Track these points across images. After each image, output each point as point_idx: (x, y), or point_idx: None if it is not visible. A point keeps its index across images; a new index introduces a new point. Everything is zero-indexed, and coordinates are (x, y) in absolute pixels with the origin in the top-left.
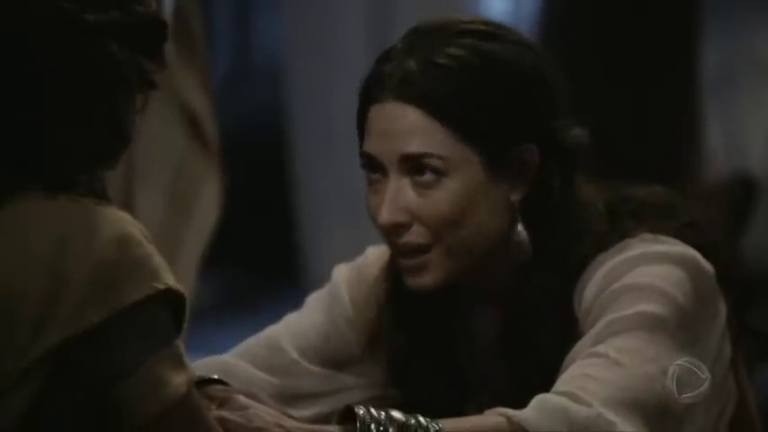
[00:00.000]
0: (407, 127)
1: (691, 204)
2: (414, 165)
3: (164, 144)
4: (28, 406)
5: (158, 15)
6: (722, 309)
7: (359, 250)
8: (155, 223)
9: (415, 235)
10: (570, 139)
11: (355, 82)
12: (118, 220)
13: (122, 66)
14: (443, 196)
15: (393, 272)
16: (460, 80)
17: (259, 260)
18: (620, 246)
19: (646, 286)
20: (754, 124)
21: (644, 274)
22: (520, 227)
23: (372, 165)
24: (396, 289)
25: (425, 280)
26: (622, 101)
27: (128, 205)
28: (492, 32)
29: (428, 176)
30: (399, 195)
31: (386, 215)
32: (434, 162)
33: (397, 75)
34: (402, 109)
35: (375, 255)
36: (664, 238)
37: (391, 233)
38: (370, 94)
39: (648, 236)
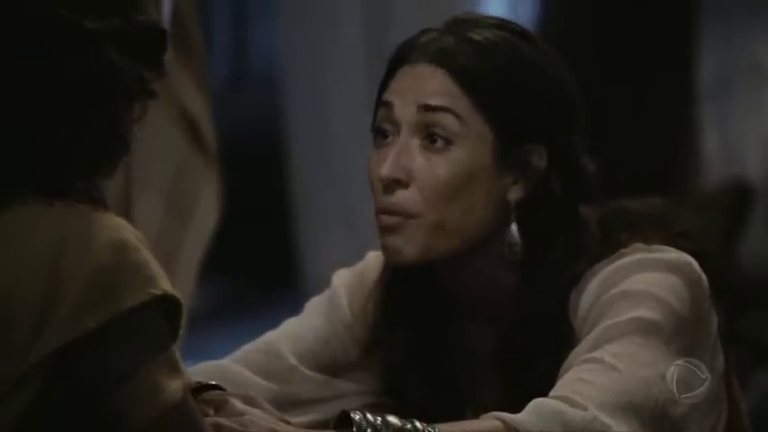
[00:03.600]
0: (433, 86)
1: (684, 214)
2: (428, 124)
3: (162, 147)
4: (26, 410)
5: (159, 24)
6: (714, 318)
7: (357, 255)
8: (153, 227)
9: (406, 199)
10: (580, 156)
11: (353, 87)
12: (115, 226)
13: (122, 73)
14: (447, 164)
15: (388, 279)
16: (492, 60)
17: (257, 266)
18: (614, 256)
19: (641, 293)
20: (750, 129)
21: (639, 280)
22: (513, 228)
23: (384, 125)
24: (391, 296)
25: (402, 247)
26: (619, 106)
27: (126, 209)
28: (527, 35)
29: (439, 144)
30: (404, 154)
31: (387, 168)
32: (450, 122)
33: (433, 45)
34: (432, 71)
35: (375, 260)
36: (656, 246)
37: (386, 188)
38: (402, 57)
39: (641, 245)
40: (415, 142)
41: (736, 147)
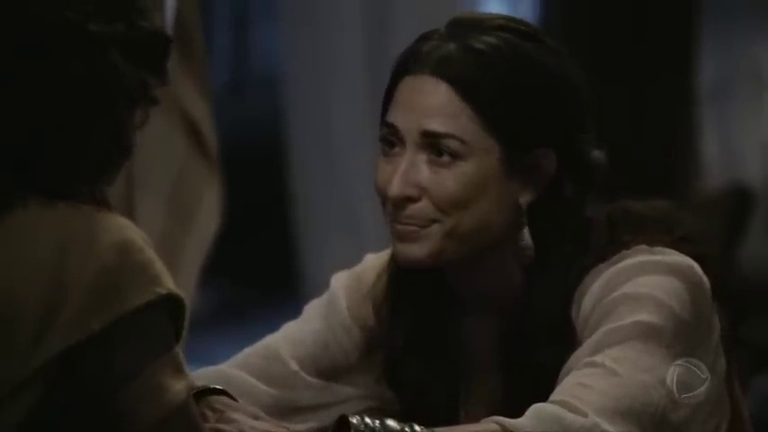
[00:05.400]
0: (435, 103)
1: (688, 217)
2: (433, 143)
3: (164, 152)
4: (27, 415)
5: (163, 31)
6: (716, 322)
7: (358, 258)
8: (155, 231)
9: (421, 209)
10: (589, 155)
11: (354, 90)
12: (118, 226)
13: (125, 78)
14: (455, 177)
15: (392, 271)
16: (495, 68)
17: (258, 269)
18: (617, 257)
19: (643, 296)
20: (750, 134)
21: (641, 284)
22: (526, 231)
23: (391, 138)
24: (394, 288)
25: (416, 251)
26: (619, 109)
27: (128, 213)
28: (531, 34)
29: (445, 158)
30: (413, 170)
31: (396, 187)
32: (454, 144)
33: (435, 53)
34: (435, 84)
35: (373, 262)
36: (659, 249)
37: (397, 206)
38: (406, 67)
39: (644, 247)
40: (422, 157)
41: (736, 151)
